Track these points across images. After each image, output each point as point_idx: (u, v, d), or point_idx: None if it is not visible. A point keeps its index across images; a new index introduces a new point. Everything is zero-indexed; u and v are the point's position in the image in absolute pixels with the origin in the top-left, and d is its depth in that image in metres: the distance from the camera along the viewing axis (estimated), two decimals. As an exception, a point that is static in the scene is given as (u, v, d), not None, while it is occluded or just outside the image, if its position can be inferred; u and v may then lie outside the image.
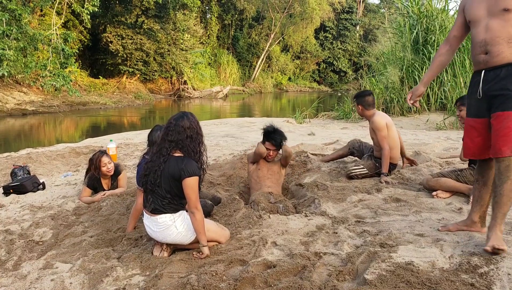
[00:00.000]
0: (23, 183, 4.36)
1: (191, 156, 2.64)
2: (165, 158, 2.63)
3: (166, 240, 2.66)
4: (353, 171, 4.18)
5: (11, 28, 12.86)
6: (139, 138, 7.77)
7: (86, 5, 15.66)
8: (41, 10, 17.35)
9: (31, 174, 4.77)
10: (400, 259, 2.33)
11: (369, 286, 2.04)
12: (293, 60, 39.43)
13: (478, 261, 2.25)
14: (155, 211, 2.65)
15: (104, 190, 4.22)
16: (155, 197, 2.65)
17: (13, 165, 5.03)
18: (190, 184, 2.56)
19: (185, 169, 2.56)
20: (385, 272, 2.17)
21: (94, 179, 4.18)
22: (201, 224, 2.59)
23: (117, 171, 4.28)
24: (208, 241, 2.70)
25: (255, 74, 34.77)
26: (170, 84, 26.20)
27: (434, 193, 3.51)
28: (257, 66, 34.73)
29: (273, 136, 3.85)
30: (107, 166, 4.14)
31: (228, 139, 7.22)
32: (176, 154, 2.65)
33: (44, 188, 4.53)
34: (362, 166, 4.19)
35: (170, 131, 2.65)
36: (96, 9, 16.07)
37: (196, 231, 2.61)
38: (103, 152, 4.21)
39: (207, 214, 3.32)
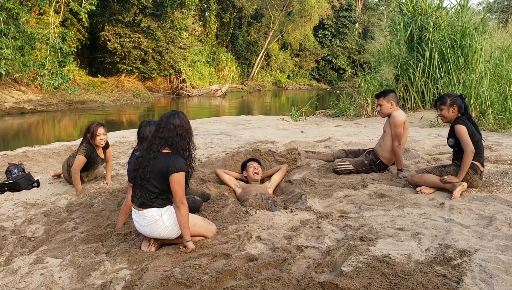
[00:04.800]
0: (17, 181, 4.44)
1: (179, 153, 2.73)
2: (155, 154, 2.72)
3: (153, 234, 2.74)
4: (339, 166, 4.26)
5: (9, 27, 12.90)
6: (135, 136, 7.80)
7: (84, 3, 15.70)
8: (40, 9, 17.39)
9: (26, 172, 4.84)
10: (377, 252, 2.40)
11: (345, 277, 2.11)
12: (292, 58, 39.45)
13: (452, 253, 2.33)
14: (142, 205, 2.73)
15: (100, 159, 4.60)
16: (143, 191, 2.73)
17: (8, 163, 5.10)
18: (177, 179, 2.65)
19: (172, 165, 2.65)
20: (361, 264, 2.25)
21: (92, 148, 4.47)
22: (185, 219, 2.67)
23: (107, 145, 4.64)
24: (194, 236, 2.78)
25: (254, 72, 34.80)
26: (168, 82, 26.24)
27: (418, 188, 3.58)
28: (256, 64, 34.75)
29: (250, 159, 4.43)
30: (101, 136, 4.43)
31: (222, 136, 7.29)
32: (165, 151, 2.74)
33: (38, 185, 4.60)
34: (348, 162, 4.27)
35: (161, 128, 2.74)
36: (94, 8, 16.11)
37: (180, 226, 2.69)
38: (101, 124, 4.51)
39: (196, 210, 3.39)
